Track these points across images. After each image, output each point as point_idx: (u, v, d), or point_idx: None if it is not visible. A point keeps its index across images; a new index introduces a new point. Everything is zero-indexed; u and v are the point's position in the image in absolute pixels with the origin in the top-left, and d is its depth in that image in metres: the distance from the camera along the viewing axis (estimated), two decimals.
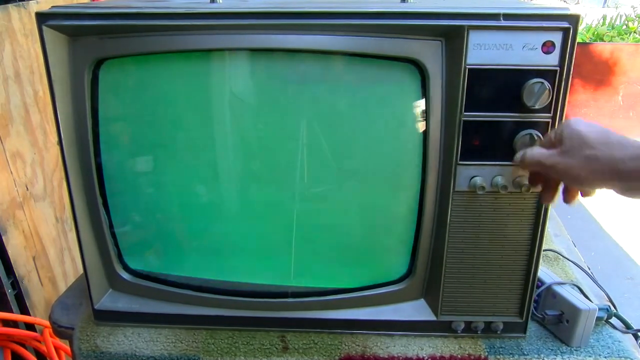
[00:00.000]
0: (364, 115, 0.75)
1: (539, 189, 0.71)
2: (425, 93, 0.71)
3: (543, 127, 0.70)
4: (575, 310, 0.78)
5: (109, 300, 0.86)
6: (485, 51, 0.67)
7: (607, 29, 4.51)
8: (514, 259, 0.77)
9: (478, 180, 0.72)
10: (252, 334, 0.85)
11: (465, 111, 0.70)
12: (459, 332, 0.82)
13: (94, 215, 0.80)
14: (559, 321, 0.81)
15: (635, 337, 0.83)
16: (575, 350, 0.80)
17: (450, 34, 0.67)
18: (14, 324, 1.54)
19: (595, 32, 4.46)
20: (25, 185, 1.60)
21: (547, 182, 0.68)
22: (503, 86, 0.68)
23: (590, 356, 0.79)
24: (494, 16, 0.66)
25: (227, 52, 0.72)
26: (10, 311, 1.53)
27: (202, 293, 0.84)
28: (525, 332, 0.82)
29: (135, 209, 0.83)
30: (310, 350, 0.82)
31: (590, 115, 4.30)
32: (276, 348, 0.82)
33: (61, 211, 1.79)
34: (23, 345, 1.57)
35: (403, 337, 0.83)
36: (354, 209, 0.81)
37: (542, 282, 0.84)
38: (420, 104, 0.72)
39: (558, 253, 1.04)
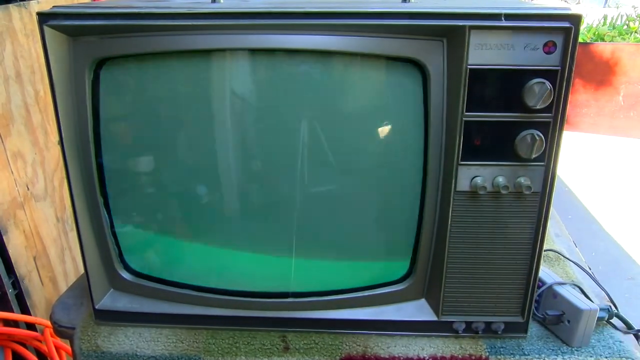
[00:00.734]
0: (365, 115, 0.75)
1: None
2: (426, 93, 0.71)
3: (544, 127, 0.70)
4: (576, 311, 0.78)
5: (109, 300, 0.86)
6: (486, 51, 0.67)
7: (608, 29, 4.51)
8: (515, 259, 0.77)
9: (479, 180, 0.72)
10: (253, 334, 0.85)
11: (466, 111, 0.69)
12: (460, 332, 0.82)
13: (95, 215, 0.80)
14: (560, 321, 0.81)
15: (637, 337, 0.83)
16: (576, 350, 0.80)
17: (452, 34, 0.67)
18: (14, 323, 1.54)
19: (596, 32, 4.47)
20: (26, 185, 1.60)
21: None
22: (504, 86, 0.68)
23: (591, 356, 0.79)
24: (495, 16, 0.66)
25: (228, 52, 0.72)
26: (11, 311, 1.53)
27: (203, 293, 0.84)
28: (526, 332, 0.82)
29: (136, 208, 0.83)
30: (311, 350, 0.82)
31: (591, 115, 4.30)
32: (277, 348, 0.82)
33: (62, 211, 1.79)
34: (24, 345, 1.57)
35: (404, 337, 0.83)
36: (355, 209, 0.81)
37: (543, 282, 0.84)
38: (421, 104, 0.72)
39: (559, 253, 1.04)
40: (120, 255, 0.85)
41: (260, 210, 0.82)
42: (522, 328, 0.81)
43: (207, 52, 0.72)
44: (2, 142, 1.49)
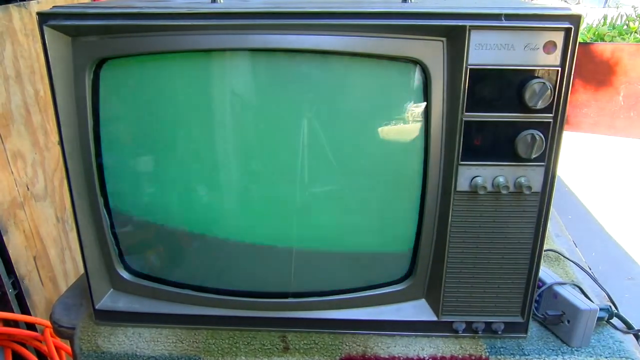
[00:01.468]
0: (365, 115, 0.75)
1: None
2: (426, 93, 0.71)
3: (544, 127, 0.70)
4: (576, 311, 0.78)
5: (109, 300, 0.86)
6: (486, 51, 0.67)
7: (608, 29, 4.51)
8: (515, 259, 0.77)
9: (479, 180, 0.72)
10: (253, 334, 0.85)
11: (466, 111, 0.69)
12: (460, 332, 0.82)
13: (95, 215, 0.80)
14: (560, 321, 0.81)
15: (636, 337, 0.83)
16: (576, 350, 0.80)
17: (452, 34, 0.67)
18: (14, 323, 1.54)
19: (596, 32, 4.47)
20: (26, 185, 1.60)
21: None
22: (504, 86, 0.68)
23: (591, 356, 0.79)
24: (496, 16, 0.66)
25: (228, 52, 0.72)
26: (11, 311, 1.53)
27: (203, 293, 0.84)
28: (526, 333, 0.82)
29: (136, 208, 0.83)
30: (311, 351, 0.82)
31: (591, 115, 4.30)
32: (277, 348, 0.82)
33: (62, 211, 1.79)
34: (24, 345, 1.57)
35: (404, 337, 0.83)
36: (355, 208, 0.80)
37: (543, 282, 0.84)
38: (422, 104, 0.72)
39: (559, 253, 1.04)
40: (120, 255, 0.85)
41: (261, 210, 0.82)
42: (522, 328, 0.81)
43: (207, 52, 0.72)
44: (2, 142, 1.49)
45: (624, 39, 4.30)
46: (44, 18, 0.69)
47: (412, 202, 0.77)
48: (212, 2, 0.73)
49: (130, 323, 0.86)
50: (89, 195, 0.79)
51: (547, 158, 0.71)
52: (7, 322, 1.53)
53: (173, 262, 0.87)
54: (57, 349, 1.57)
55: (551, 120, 0.69)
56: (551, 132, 0.70)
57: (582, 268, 0.99)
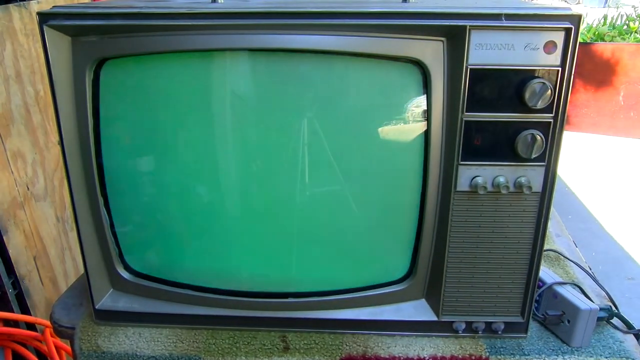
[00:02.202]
0: (365, 115, 0.75)
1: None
2: (426, 93, 0.71)
3: (544, 127, 0.70)
4: (576, 311, 0.78)
5: (110, 300, 0.86)
6: (487, 51, 0.67)
7: (608, 29, 4.51)
8: (515, 259, 0.77)
9: (479, 180, 0.72)
10: (253, 334, 0.85)
11: (466, 111, 0.69)
12: (460, 332, 0.82)
13: (95, 214, 0.80)
14: (560, 321, 0.81)
15: (637, 337, 0.83)
16: (577, 350, 0.80)
17: (452, 34, 0.67)
18: (14, 323, 1.54)
19: (596, 32, 4.47)
20: (26, 185, 1.60)
21: None
22: (505, 86, 0.68)
23: (591, 356, 0.79)
24: (496, 16, 0.66)
25: (228, 52, 0.72)
26: (11, 311, 1.53)
27: (203, 293, 0.84)
28: (526, 332, 0.82)
29: (136, 208, 0.83)
30: (311, 351, 0.82)
31: (591, 115, 4.30)
32: (277, 348, 0.82)
33: (62, 211, 1.79)
34: (24, 345, 1.57)
35: (404, 337, 0.83)
36: (355, 209, 0.80)
37: (543, 282, 0.84)
38: (422, 104, 0.72)
39: (559, 253, 1.04)
40: (120, 255, 0.85)
41: (261, 210, 0.82)
42: (522, 328, 0.81)
43: (207, 52, 0.72)
44: (2, 142, 1.49)
45: (624, 39, 4.30)
46: (44, 18, 0.69)
47: (412, 201, 0.77)
48: (212, 2, 0.73)
49: (130, 323, 0.86)
50: (89, 195, 0.79)
51: (547, 158, 0.71)
52: (7, 322, 1.53)
53: (173, 262, 0.87)
54: (57, 349, 1.57)
55: (551, 120, 0.69)
56: (551, 132, 0.70)
57: (582, 268, 0.99)
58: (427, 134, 0.72)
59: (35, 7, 1.62)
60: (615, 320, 0.85)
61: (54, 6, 0.70)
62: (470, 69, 0.67)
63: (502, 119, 0.70)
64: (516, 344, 0.81)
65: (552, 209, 0.75)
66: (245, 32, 0.69)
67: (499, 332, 0.81)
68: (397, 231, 0.81)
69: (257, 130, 0.77)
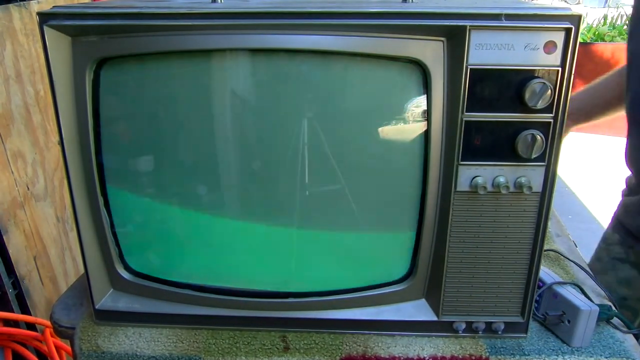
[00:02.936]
0: (365, 115, 0.75)
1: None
2: (426, 93, 0.71)
3: (545, 128, 0.70)
4: (576, 310, 0.78)
5: (110, 300, 0.86)
6: (486, 51, 0.67)
7: (608, 29, 4.52)
8: (515, 259, 0.77)
9: (479, 180, 0.72)
10: (253, 334, 0.85)
11: (466, 111, 0.69)
12: (460, 332, 0.82)
13: (95, 214, 0.80)
14: (560, 321, 0.81)
15: (637, 337, 0.83)
16: (577, 350, 0.80)
17: (452, 34, 0.67)
18: (14, 323, 1.55)
19: (596, 32, 4.47)
20: (26, 185, 1.60)
21: None
22: (504, 86, 0.68)
23: (591, 356, 0.79)
24: (496, 16, 0.66)
25: (228, 52, 0.72)
26: (11, 311, 1.53)
27: (203, 293, 0.85)
28: (526, 332, 0.82)
29: (136, 208, 0.83)
30: (311, 351, 0.82)
31: None
32: (277, 348, 0.83)
33: (62, 211, 1.79)
34: (24, 345, 1.57)
35: (404, 337, 0.83)
36: (355, 208, 0.80)
37: (543, 282, 0.84)
38: (422, 104, 0.72)
39: (559, 253, 1.04)
40: (120, 255, 0.85)
41: (261, 209, 0.82)
42: (522, 328, 0.81)
43: (207, 52, 0.72)
44: (2, 142, 1.49)
45: (624, 39, 4.30)
46: (44, 18, 0.69)
47: (412, 201, 0.77)
48: (212, 2, 0.73)
49: (130, 323, 0.86)
50: (89, 195, 0.79)
51: (547, 158, 0.71)
52: (7, 322, 1.53)
53: (173, 262, 0.87)
54: (57, 348, 1.57)
55: (551, 120, 0.69)
56: (551, 132, 0.70)
57: (582, 268, 0.99)
58: (427, 134, 0.72)
59: (35, 7, 1.62)
60: (615, 320, 0.85)
61: (54, 6, 0.70)
62: (470, 69, 0.67)
63: (502, 119, 0.70)
64: (516, 344, 0.81)
65: (552, 209, 0.75)
66: (245, 32, 0.69)
67: (499, 332, 0.81)
68: (397, 231, 0.81)
69: (257, 130, 0.77)
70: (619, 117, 1.39)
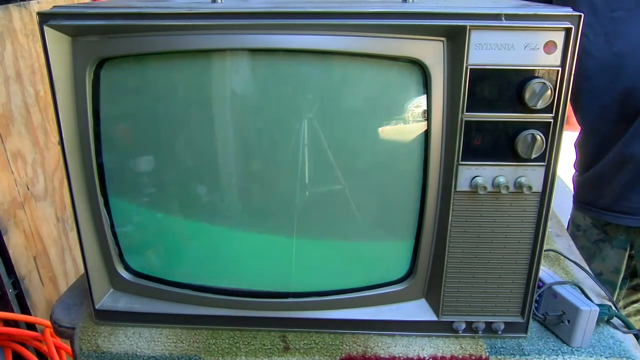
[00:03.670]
0: (365, 115, 0.75)
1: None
2: (426, 93, 0.71)
3: (544, 127, 0.70)
4: (576, 311, 0.78)
5: (110, 300, 0.86)
6: (486, 51, 0.67)
7: None
8: (515, 259, 0.77)
9: (479, 180, 0.72)
10: (253, 334, 0.85)
11: (466, 111, 0.69)
12: (460, 332, 0.82)
13: (95, 214, 0.80)
14: (560, 321, 0.81)
15: (637, 337, 0.83)
16: (577, 350, 0.80)
17: (452, 34, 0.67)
18: (14, 323, 1.55)
19: None
20: (26, 185, 1.60)
21: None
22: (504, 86, 0.68)
23: (591, 356, 0.79)
24: (496, 16, 0.66)
25: (228, 52, 0.72)
26: (11, 311, 1.53)
27: (203, 293, 0.84)
28: (526, 332, 0.82)
29: (136, 208, 0.83)
30: (311, 351, 0.82)
31: None
32: (277, 348, 0.83)
33: (62, 211, 1.79)
34: (24, 345, 1.57)
35: (404, 337, 0.83)
36: (355, 209, 0.81)
37: (543, 282, 0.84)
38: (422, 104, 0.72)
39: (559, 253, 1.04)
40: (120, 255, 0.85)
41: (261, 210, 0.82)
42: (523, 328, 0.81)
43: (207, 52, 0.72)
44: (2, 142, 1.50)
45: None
46: (44, 18, 0.69)
47: (412, 202, 0.77)
48: (212, 2, 0.73)
49: (130, 323, 0.86)
50: (89, 195, 0.79)
51: (547, 158, 0.71)
52: (7, 322, 1.53)
53: (173, 262, 0.87)
54: (57, 349, 1.58)
55: (551, 120, 0.69)
56: (551, 132, 0.70)
57: (582, 268, 0.99)
58: (427, 134, 0.72)
59: (35, 7, 1.62)
60: (615, 320, 0.85)
61: (54, 6, 0.70)
62: (470, 69, 0.67)
63: (502, 119, 0.70)
64: (516, 344, 0.81)
65: (552, 209, 0.75)
66: (245, 32, 0.69)
67: (499, 332, 0.81)
68: (397, 231, 0.81)
69: (256, 130, 0.77)
70: None
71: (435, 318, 0.82)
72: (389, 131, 0.75)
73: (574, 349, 0.80)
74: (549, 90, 0.67)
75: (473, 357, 0.80)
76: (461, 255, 0.77)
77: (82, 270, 0.86)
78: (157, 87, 0.75)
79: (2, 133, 1.49)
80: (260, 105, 0.77)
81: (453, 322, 0.82)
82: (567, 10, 0.66)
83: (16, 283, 1.55)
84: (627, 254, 1.26)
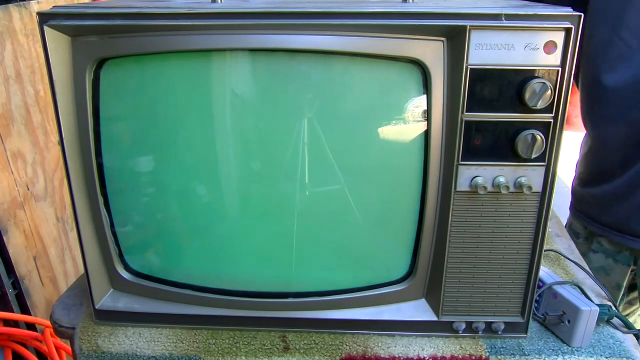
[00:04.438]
0: (365, 115, 0.75)
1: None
2: (426, 93, 0.71)
3: (544, 127, 0.70)
4: (576, 311, 0.78)
5: (110, 300, 0.86)
6: (486, 51, 0.67)
7: None
8: (515, 259, 0.77)
9: (479, 180, 0.72)
10: (253, 334, 0.85)
11: (466, 111, 0.69)
12: (460, 332, 0.82)
13: (95, 214, 0.80)
14: (560, 321, 0.81)
15: (636, 337, 0.83)
16: (577, 350, 0.80)
17: (452, 34, 0.67)
18: (14, 323, 1.55)
19: None
20: (26, 185, 1.60)
21: None
22: (504, 86, 0.68)
23: (591, 356, 0.79)
24: (496, 16, 0.66)
25: (228, 52, 0.72)
26: (11, 311, 1.53)
27: (203, 293, 0.85)
28: (526, 332, 0.82)
29: (136, 208, 0.83)
30: (311, 351, 0.82)
31: None
32: (277, 348, 0.83)
33: (62, 211, 1.79)
34: (24, 345, 1.57)
35: (404, 337, 0.83)
36: (355, 209, 0.81)
37: (543, 282, 0.84)
38: (422, 104, 0.72)
39: (559, 253, 1.04)
40: (120, 255, 0.85)
41: (261, 210, 0.82)
42: (523, 328, 0.81)
43: (207, 52, 0.72)
44: (2, 142, 1.50)
45: None
46: (44, 18, 0.69)
47: (412, 201, 0.77)
48: (212, 2, 0.73)
49: (130, 323, 0.86)
50: (89, 195, 0.79)
51: (547, 158, 0.71)
52: (7, 322, 1.53)
53: (173, 262, 0.87)
54: (57, 349, 1.58)
55: (551, 120, 0.69)
56: (551, 132, 0.70)
57: (582, 268, 1.00)
58: (427, 134, 0.72)
59: (35, 7, 1.62)
60: (615, 320, 0.85)
61: (54, 6, 0.70)
62: (470, 69, 0.67)
63: (502, 119, 0.70)
64: (516, 344, 0.81)
65: (552, 209, 0.75)
66: (245, 32, 0.69)
67: (499, 332, 0.81)
68: (397, 231, 0.81)
69: (257, 130, 0.77)
70: None
71: (435, 318, 0.82)
72: (389, 131, 0.75)
73: (574, 349, 0.80)
74: (549, 90, 0.67)
75: (473, 357, 0.80)
76: (461, 255, 0.77)
77: (82, 270, 0.86)
78: (157, 87, 0.75)
79: (2, 133, 1.49)
80: (260, 105, 0.77)
81: (453, 322, 0.82)
82: (567, 10, 0.66)
83: (16, 283, 1.55)
84: (630, 269, 1.22)
